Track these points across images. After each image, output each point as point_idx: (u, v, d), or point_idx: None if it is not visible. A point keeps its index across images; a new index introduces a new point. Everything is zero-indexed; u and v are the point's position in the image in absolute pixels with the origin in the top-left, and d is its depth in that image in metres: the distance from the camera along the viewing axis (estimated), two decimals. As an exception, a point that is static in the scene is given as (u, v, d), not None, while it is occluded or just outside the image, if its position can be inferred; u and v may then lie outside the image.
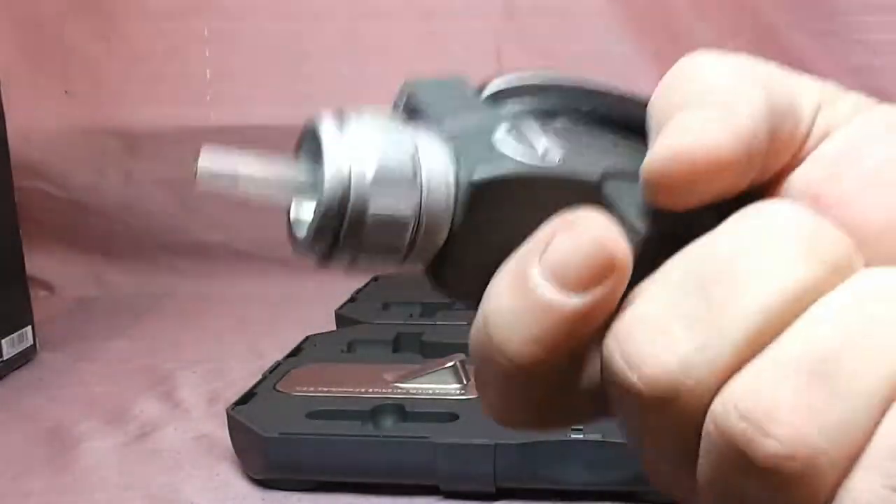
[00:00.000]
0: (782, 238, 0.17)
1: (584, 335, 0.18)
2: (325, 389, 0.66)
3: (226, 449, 0.65)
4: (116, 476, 0.64)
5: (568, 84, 0.22)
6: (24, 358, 0.87)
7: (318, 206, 0.18)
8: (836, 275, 0.17)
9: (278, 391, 0.66)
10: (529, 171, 0.19)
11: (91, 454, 0.67)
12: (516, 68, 0.22)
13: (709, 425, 0.17)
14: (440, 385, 0.66)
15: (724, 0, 1.04)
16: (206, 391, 0.79)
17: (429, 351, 0.75)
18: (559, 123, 0.21)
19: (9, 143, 0.86)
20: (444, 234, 0.19)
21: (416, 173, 0.19)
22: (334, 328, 0.87)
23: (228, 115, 1.12)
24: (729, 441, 0.16)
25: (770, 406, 0.16)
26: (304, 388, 0.66)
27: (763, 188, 0.20)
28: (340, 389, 0.66)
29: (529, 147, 0.19)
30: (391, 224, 0.18)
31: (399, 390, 0.65)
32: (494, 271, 0.19)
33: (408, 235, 0.19)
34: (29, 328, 0.88)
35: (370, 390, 0.65)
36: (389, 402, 0.63)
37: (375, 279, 1.03)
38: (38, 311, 0.91)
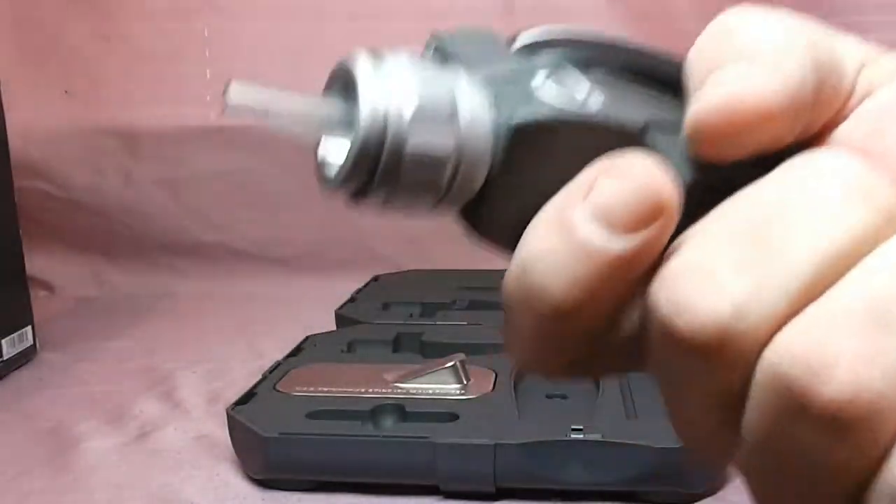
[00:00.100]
0: (836, 185, 0.17)
1: (627, 280, 0.18)
2: (325, 389, 0.66)
3: (226, 449, 0.65)
4: (116, 476, 0.64)
5: (601, 38, 0.21)
6: (24, 358, 0.87)
7: (353, 142, 0.18)
8: (891, 225, 0.16)
9: (278, 391, 0.66)
10: (571, 116, 0.18)
11: (91, 454, 0.67)
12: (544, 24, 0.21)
13: (760, 373, 0.16)
14: (440, 385, 0.65)
15: (724, 0, 1.04)
16: (206, 391, 0.79)
17: (429, 351, 0.75)
18: (596, 74, 0.20)
19: (9, 143, 0.86)
20: (481, 177, 0.18)
21: (455, 112, 0.18)
22: (334, 328, 0.87)
23: (228, 116, 1.12)
24: (784, 389, 0.16)
25: (829, 351, 0.15)
26: (304, 388, 0.66)
27: (806, 144, 0.19)
28: (340, 389, 0.66)
29: (570, 93, 0.19)
30: (429, 162, 0.18)
31: (399, 390, 0.65)
32: (531, 217, 0.18)
33: (446, 175, 0.18)
34: (29, 328, 0.88)
35: (370, 390, 0.65)
36: (389, 402, 0.63)
37: (375, 279, 1.03)
38: (38, 311, 0.91)
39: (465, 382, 0.66)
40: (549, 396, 0.67)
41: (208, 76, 1.12)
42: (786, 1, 0.94)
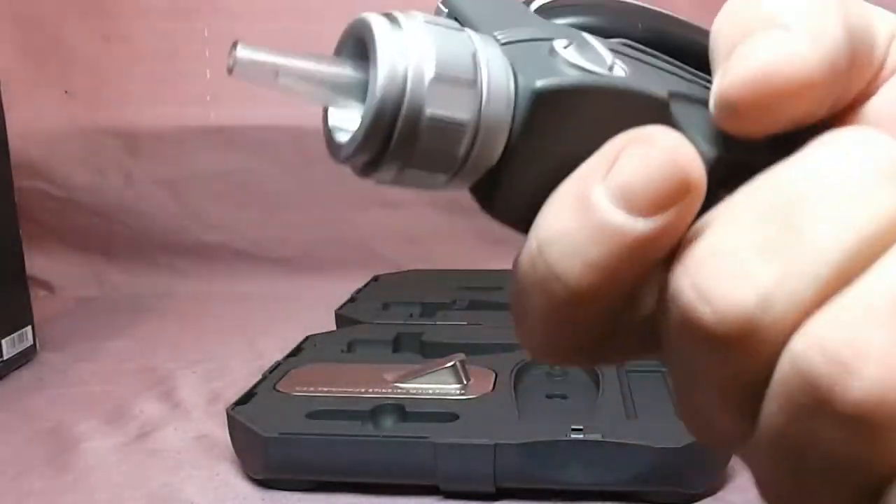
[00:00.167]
0: (866, 168, 0.16)
1: (648, 262, 0.17)
2: (325, 389, 0.66)
3: (226, 449, 0.65)
4: (116, 476, 0.64)
5: (620, 3, 0.20)
6: (24, 358, 0.87)
7: (368, 106, 0.17)
8: None
9: (278, 391, 0.66)
10: (596, 81, 0.17)
11: (91, 454, 0.67)
12: None
13: (785, 365, 0.15)
14: (440, 385, 0.65)
15: (724, 0, 1.04)
16: (206, 391, 0.79)
17: (429, 351, 0.75)
18: (617, 43, 0.19)
19: (9, 143, 0.86)
20: (500, 147, 0.17)
21: (475, 76, 0.17)
22: (334, 328, 0.87)
23: (228, 115, 1.12)
24: (809, 382, 0.15)
25: (860, 345, 0.14)
26: (304, 388, 0.66)
27: (837, 119, 0.19)
28: (340, 389, 0.66)
29: (594, 58, 0.18)
30: (448, 130, 0.17)
31: (399, 390, 0.65)
32: (549, 192, 0.17)
33: (464, 143, 0.17)
34: (29, 328, 0.88)
35: (370, 390, 0.65)
36: (389, 402, 0.63)
37: (375, 279, 1.03)
38: (38, 311, 0.91)
39: (465, 382, 0.66)
40: (549, 396, 0.67)
41: (208, 76, 1.12)
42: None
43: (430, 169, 0.17)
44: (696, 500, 0.58)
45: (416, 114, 0.17)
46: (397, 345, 0.79)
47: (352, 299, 0.94)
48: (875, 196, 0.15)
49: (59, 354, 0.90)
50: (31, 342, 0.89)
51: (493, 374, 0.68)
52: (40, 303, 0.99)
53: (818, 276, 0.15)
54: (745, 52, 0.17)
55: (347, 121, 0.18)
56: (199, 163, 1.14)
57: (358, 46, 0.18)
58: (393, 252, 1.15)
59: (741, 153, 0.18)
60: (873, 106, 0.19)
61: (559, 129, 0.17)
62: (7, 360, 0.84)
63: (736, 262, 0.16)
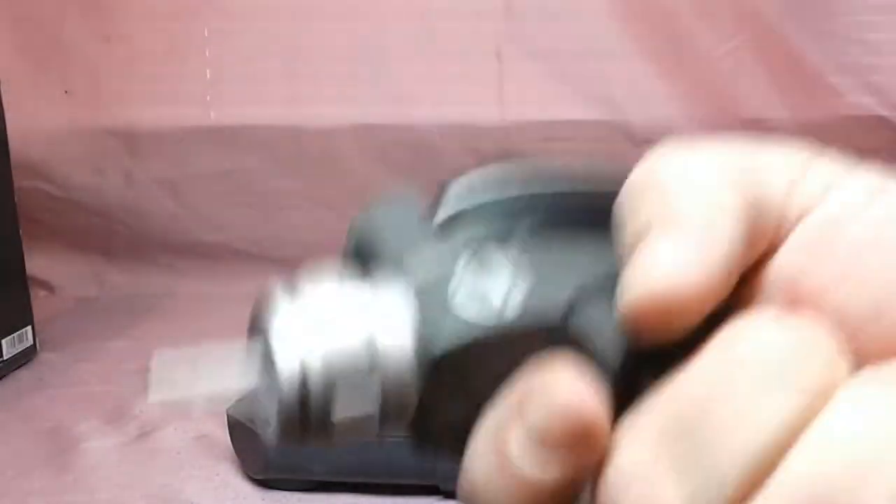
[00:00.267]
0: (759, 373, 0.16)
1: (568, 498, 0.18)
2: (325, 389, 0.66)
3: (226, 449, 0.65)
4: (116, 476, 0.64)
5: (524, 189, 0.21)
6: (24, 358, 0.87)
7: (278, 413, 0.18)
8: (821, 398, 0.16)
9: (278, 391, 0.66)
10: (489, 333, 0.18)
11: (91, 454, 0.67)
12: (468, 171, 0.21)
13: None
14: (440, 385, 0.66)
15: (723, 0, 1.04)
16: (206, 391, 0.79)
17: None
18: (520, 240, 0.20)
19: (9, 143, 0.86)
20: (411, 408, 0.19)
21: (373, 365, 0.18)
22: (334, 328, 0.87)
23: (228, 115, 1.12)
24: None
25: None
26: (304, 388, 0.66)
27: (743, 282, 0.19)
28: (340, 389, 0.66)
29: (489, 298, 0.19)
30: (356, 422, 0.19)
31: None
32: (473, 422, 0.19)
33: (375, 424, 0.19)
34: (29, 328, 0.88)
35: (370, 390, 0.65)
36: (389, 402, 0.63)
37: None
38: (38, 311, 0.91)
39: (465, 382, 0.66)
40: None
41: (208, 76, 1.12)
42: (787, 3, 0.93)
43: (354, 436, 0.19)
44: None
45: (323, 417, 0.18)
46: (397, 345, 0.79)
47: (352, 299, 0.94)
48: (770, 403, 0.16)
49: (59, 354, 0.90)
50: (31, 342, 0.89)
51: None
52: (40, 303, 0.99)
53: (725, 488, 0.16)
54: (638, 264, 0.18)
55: (270, 405, 0.19)
56: (199, 163, 1.14)
57: (265, 337, 0.19)
58: (393, 252, 1.15)
59: (653, 346, 0.19)
60: (776, 264, 0.19)
61: (465, 378, 0.19)
62: (7, 360, 0.84)
63: (647, 487, 0.17)
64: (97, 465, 0.65)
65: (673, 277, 0.17)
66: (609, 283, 0.19)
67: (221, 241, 1.16)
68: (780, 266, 0.19)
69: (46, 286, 1.14)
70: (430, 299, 0.19)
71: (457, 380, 0.19)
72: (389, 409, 0.19)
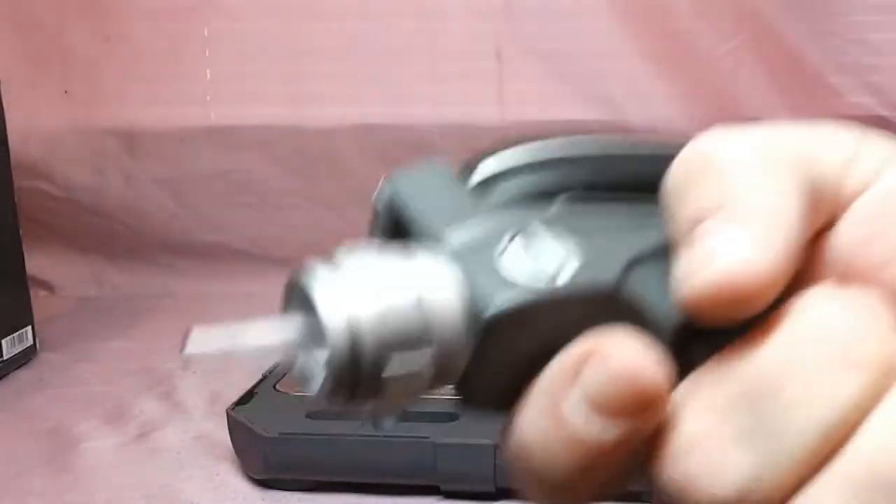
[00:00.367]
0: (831, 349, 0.17)
1: (623, 460, 0.18)
2: (325, 389, 0.66)
3: (226, 449, 0.65)
4: (116, 476, 0.64)
5: (563, 154, 0.21)
6: (25, 358, 0.87)
7: (327, 370, 0.18)
8: (889, 376, 0.16)
9: (278, 391, 0.66)
10: (542, 297, 0.18)
11: (91, 454, 0.67)
12: (504, 142, 0.21)
13: None
14: (440, 385, 0.65)
15: (723, 0, 1.04)
16: (206, 391, 0.79)
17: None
18: (563, 207, 0.20)
19: (9, 143, 0.86)
20: (461, 366, 0.19)
21: (424, 326, 0.18)
22: (334, 328, 0.87)
23: (228, 115, 1.12)
24: None
25: None
26: (304, 388, 0.66)
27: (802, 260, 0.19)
28: (340, 389, 0.66)
29: (539, 265, 0.18)
30: (406, 379, 0.18)
31: (399, 390, 0.65)
32: (519, 384, 0.19)
33: (426, 382, 0.19)
34: (29, 328, 0.88)
35: (370, 390, 0.65)
36: (389, 402, 0.63)
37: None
38: (38, 311, 0.91)
39: (465, 382, 0.66)
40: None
41: (208, 76, 1.12)
42: (787, 3, 0.93)
43: (402, 399, 0.19)
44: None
45: (375, 375, 0.18)
46: (397, 345, 0.79)
47: (352, 299, 0.94)
48: (840, 379, 0.16)
49: (59, 354, 0.90)
50: (31, 342, 0.89)
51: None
52: (40, 303, 0.99)
53: (794, 461, 0.16)
54: (698, 252, 0.18)
55: (313, 365, 0.18)
56: (199, 163, 1.14)
57: (306, 300, 0.18)
58: (393, 252, 1.15)
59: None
60: (833, 240, 0.19)
61: (517, 342, 0.18)
62: (7, 360, 0.84)
63: (712, 454, 0.17)
64: (97, 465, 0.65)
65: (739, 267, 0.17)
66: (660, 252, 0.19)
67: (221, 241, 1.16)
68: (838, 242, 0.19)
69: (46, 286, 1.14)
70: (476, 263, 0.18)
71: (508, 341, 0.18)
72: (440, 368, 0.18)
